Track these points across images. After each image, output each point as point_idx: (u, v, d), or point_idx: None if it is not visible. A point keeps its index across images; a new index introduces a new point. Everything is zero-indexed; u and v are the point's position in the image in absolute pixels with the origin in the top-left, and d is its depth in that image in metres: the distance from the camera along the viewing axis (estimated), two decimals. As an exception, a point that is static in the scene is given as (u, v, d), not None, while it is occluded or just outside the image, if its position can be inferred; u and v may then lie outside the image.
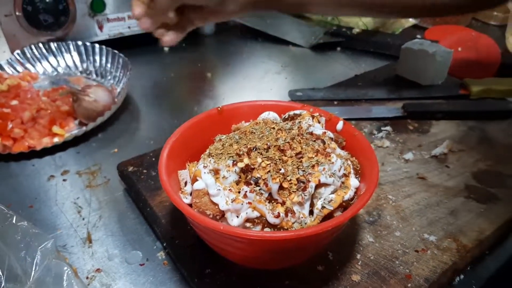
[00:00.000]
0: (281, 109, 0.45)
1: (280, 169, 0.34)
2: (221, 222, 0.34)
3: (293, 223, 0.34)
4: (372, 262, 0.40)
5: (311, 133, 0.39)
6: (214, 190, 0.34)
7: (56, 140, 0.57)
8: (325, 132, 0.39)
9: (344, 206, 0.35)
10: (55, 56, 0.75)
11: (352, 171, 0.38)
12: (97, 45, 0.75)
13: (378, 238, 0.42)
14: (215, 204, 0.34)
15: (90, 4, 0.76)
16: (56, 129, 0.58)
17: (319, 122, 0.42)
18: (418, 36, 0.91)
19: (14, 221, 0.37)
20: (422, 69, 0.70)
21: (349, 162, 0.38)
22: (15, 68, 0.72)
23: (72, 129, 0.60)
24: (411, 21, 0.97)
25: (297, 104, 0.45)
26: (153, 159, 0.52)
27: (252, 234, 0.31)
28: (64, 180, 0.52)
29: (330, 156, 0.36)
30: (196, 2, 0.51)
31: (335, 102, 0.67)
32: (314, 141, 0.38)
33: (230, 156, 0.35)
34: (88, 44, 0.75)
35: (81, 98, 0.59)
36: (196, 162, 0.39)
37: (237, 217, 0.34)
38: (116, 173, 0.51)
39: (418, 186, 0.49)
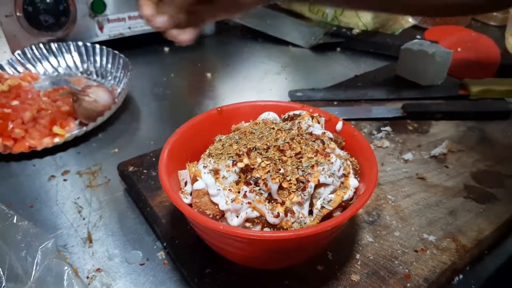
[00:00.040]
0: (280, 110, 0.45)
1: (280, 169, 0.34)
2: (221, 222, 0.34)
3: (292, 223, 0.34)
4: (372, 262, 0.40)
5: (311, 133, 0.39)
6: (214, 190, 0.34)
7: (57, 140, 0.57)
8: (324, 133, 0.40)
9: (343, 206, 0.36)
10: (55, 57, 0.76)
11: (351, 171, 0.38)
12: (97, 46, 0.75)
13: (377, 238, 0.42)
14: (215, 204, 0.34)
15: (90, 5, 0.76)
16: (56, 129, 0.59)
17: (318, 123, 0.42)
18: (418, 36, 0.91)
19: (14, 221, 0.37)
20: (422, 69, 0.70)
21: (348, 162, 0.39)
22: (15, 69, 0.72)
23: (73, 129, 0.61)
24: (411, 21, 0.97)
25: (297, 104, 0.46)
26: (153, 159, 0.52)
27: (251, 234, 0.31)
28: (64, 180, 0.52)
29: (329, 156, 0.36)
30: None
31: (335, 103, 0.67)
32: (314, 141, 0.38)
33: (230, 156, 0.36)
34: (88, 44, 0.75)
35: (81, 99, 0.59)
36: (196, 162, 0.40)
37: (237, 217, 0.34)
38: (117, 173, 0.52)
39: (418, 186, 0.49)
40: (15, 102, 0.61)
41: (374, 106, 0.65)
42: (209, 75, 0.80)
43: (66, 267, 0.34)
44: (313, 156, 0.36)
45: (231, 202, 0.34)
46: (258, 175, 0.34)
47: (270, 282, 0.38)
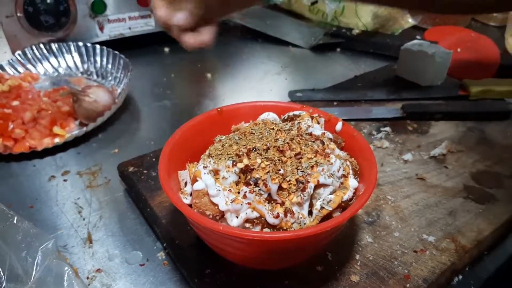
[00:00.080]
0: (280, 110, 0.45)
1: (280, 170, 0.34)
2: (221, 223, 0.35)
3: (292, 223, 0.34)
4: (371, 262, 0.40)
5: (310, 134, 0.39)
6: (214, 190, 0.34)
7: (57, 140, 0.57)
8: (324, 133, 0.40)
9: (343, 206, 0.36)
10: (56, 57, 0.76)
11: (351, 171, 0.38)
12: (97, 46, 0.75)
13: (377, 238, 0.42)
14: (215, 205, 0.35)
15: (91, 5, 0.76)
16: (56, 129, 0.59)
17: (318, 123, 0.42)
18: (418, 37, 0.92)
19: (15, 221, 0.37)
20: (422, 70, 0.70)
21: (348, 162, 0.39)
22: (16, 69, 0.72)
23: (73, 130, 0.61)
24: (411, 22, 0.97)
25: (297, 105, 0.46)
26: (154, 159, 0.52)
27: (251, 234, 0.31)
28: (64, 180, 0.53)
29: (329, 156, 0.36)
30: None
31: (335, 103, 0.67)
32: (313, 141, 0.38)
33: (229, 157, 0.36)
34: (89, 45, 0.76)
35: (81, 99, 0.59)
36: (196, 162, 0.40)
37: (237, 217, 0.34)
38: (117, 173, 0.52)
39: (417, 187, 0.49)
40: (15, 103, 0.61)
41: (374, 106, 0.65)
42: (209, 75, 0.80)
43: (66, 268, 0.34)
44: (312, 156, 0.36)
45: (231, 202, 0.34)
46: (258, 175, 0.34)
47: (270, 283, 0.38)
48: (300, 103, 0.46)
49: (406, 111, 0.62)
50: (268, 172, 0.34)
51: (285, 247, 0.34)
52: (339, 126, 0.43)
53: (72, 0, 0.74)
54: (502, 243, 0.45)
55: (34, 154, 0.56)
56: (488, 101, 0.65)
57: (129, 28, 0.83)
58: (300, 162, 0.35)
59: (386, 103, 0.67)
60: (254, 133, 0.39)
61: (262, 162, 0.35)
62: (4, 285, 0.33)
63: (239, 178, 0.35)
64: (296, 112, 0.43)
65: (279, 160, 0.35)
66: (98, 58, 0.75)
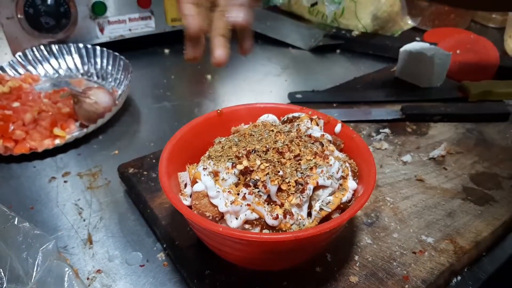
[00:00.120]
0: (280, 112, 0.45)
1: (279, 171, 0.35)
2: (220, 224, 0.35)
3: (291, 224, 0.34)
4: (370, 263, 0.40)
5: (310, 136, 0.39)
6: (214, 192, 0.35)
7: (57, 141, 0.58)
8: (323, 135, 0.40)
9: (342, 208, 0.36)
10: (56, 58, 0.76)
11: (350, 173, 0.38)
12: (98, 48, 0.75)
13: (376, 239, 0.43)
14: (215, 206, 0.35)
15: (91, 7, 0.77)
16: (57, 131, 0.59)
17: (317, 125, 0.42)
18: (417, 38, 0.92)
19: (16, 223, 0.37)
20: (421, 71, 0.70)
21: (347, 164, 0.39)
22: (16, 70, 0.73)
23: (73, 131, 0.61)
24: (410, 23, 0.98)
25: (296, 106, 0.46)
26: (154, 161, 0.52)
27: (250, 235, 0.32)
28: (65, 181, 0.53)
29: (328, 158, 0.37)
30: None
31: (334, 104, 0.67)
32: (313, 143, 0.38)
33: (229, 159, 0.36)
34: (89, 46, 0.76)
35: (82, 100, 0.60)
36: (196, 164, 0.40)
37: (236, 219, 0.34)
38: (117, 174, 0.52)
39: (416, 188, 0.50)
40: (16, 104, 0.61)
41: (373, 108, 0.66)
42: (209, 77, 0.80)
43: (66, 269, 0.34)
44: (312, 158, 0.36)
45: (231, 204, 0.34)
46: (257, 177, 0.34)
47: (269, 283, 0.38)
48: (299, 105, 0.46)
49: (405, 112, 0.62)
50: (268, 173, 0.34)
51: (284, 248, 0.34)
52: (338, 128, 0.43)
53: (72, 2, 0.74)
54: (501, 244, 0.45)
55: (35, 156, 0.56)
56: (487, 103, 0.66)
57: (129, 29, 0.83)
58: (299, 164, 0.36)
59: (386, 105, 0.67)
60: (253, 135, 0.39)
61: (261, 163, 0.35)
62: (4, 285, 0.33)
63: (239, 179, 0.35)
64: (296, 114, 0.44)
65: (278, 161, 0.35)
66: (98, 60, 0.76)
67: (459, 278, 0.41)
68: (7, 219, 0.37)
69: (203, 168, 0.36)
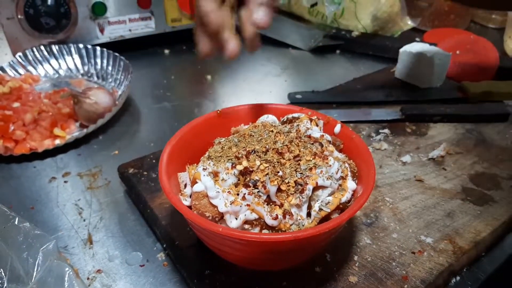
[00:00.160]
0: (279, 112, 0.46)
1: (278, 172, 0.35)
2: (220, 224, 0.35)
3: (291, 225, 0.34)
4: (369, 263, 0.40)
5: (309, 136, 0.39)
6: (213, 192, 0.35)
7: (58, 142, 0.58)
8: (323, 135, 0.40)
9: (341, 208, 0.36)
10: (56, 59, 0.76)
11: (349, 173, 0.38)
12: (98, 48, 0.76)
13: (375, 239, 0.43)
14: (214, 206, 0.35)
15: (91, 7, 0.77)
16: (57, 131, 0.59)
17: (317, 125, 0.42)
18: (417, 39, 0.92)
19: (16, 223, 0.37)
20: (421, 72, 0.71)
21: (346, 164, 0.39)
22: (17, 71, 0.73)
23: (73, 131, 0.61)
24: (410, 24, 0.98)
25: (296, 107, 0.46)
26: (153, 161, 0.52)
27: (250, 236, 0.32)
28: (65, 181, 0.53)
29: (327, 159, 0.37)
30: None
31: (334, 105, 0.67)
32: (312, 144, 0.38)
33: (229, 159, 0.36)
34: (89, 46, 0.76)
35: (82, 101, 0.60)
36: (195, 164, 0.40)
37: (236, 219, 0.34)
38: (117, 175, 0.52)
39: (415, 189, 0.50)
40: (16, 104, 0.61)
41: (373, 108, 0.66)
42: (209, 77, 0.80)
43: (67, 268, 0.34)
44: (311, 158, 0.36)
45: (230, 204, 0.34)
46: (257, 177, 0.34)
47: (269, 283, 0.38)
48: (299, 105, 0.46)
49: (405, 113, 0.62)
50: (267, 174, 0.34)
51: (284, 248, 0.34)
52: (337, 128, 0.43)
53: (72, 2, 0.75)
54: (500, 244, 0.45)
55: (35, 156, 0.56)
56: (487, 103, 0.66)
57: (130, 30, 0.83)
58: (298, 164, 0.36)
59: (385, 105, 0.67)
60: (253, 136, 0.39)
61: (261, 164, 0.35)
62: (5, 285, 0.33)
63: (238, 180, 0.35)
64: (295, 115, 0.44)
65: (278, 162, 0.35)
66: (98, 60, 0.76)
67: (458, 278, 0.41)
68: (8, 219, 0.37)
69: (203, 169, 0.36)
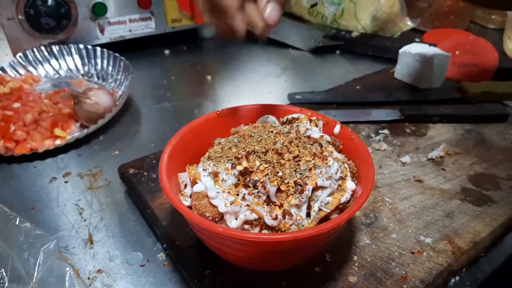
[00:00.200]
0: (279, 113, 0.46)
1: (278, 172, 0.35)
2: (220, 224, 0.35)
3: (290, 225, 0.34)
4: (369, 263, 0.40)
5: (309, 137, 0.40)
6: (213, 192, 0.35)
7: (58, 142, 0.58)
8: (322, 136, 0.40)
9: (340, 208, 0.36)
10: (57, 59, 0.76)
11: (348, 174, 0.38)
12: (98, 48, 0.76)
13: (374, 240, 0.43)
14: (214, 207, 0.35)
15: (91, 8, 0.77)
16: (58, 131, 0.59)
17: (316, 126, 0.42)
18: (417, 39, 0.92)
19: (17, 223, 0.37)
20: (420, 72, 0.71)
21: (345, 165, 0.39)
22: (17, 71, 0.73)
23: (74, 132, 0.61)
24: (410, 24, 0.98)
25: (295, 108, 0.46)
26: (154, 161, 0.53)
27: (250, 236, 0.32)
28: (65, 182, 0.53)
29: (327, 159, 0.37)
30: None
31: (334, 105, 0.67)
32: (312, 144, 0.38)
33: (229, 159, 0.36)
34: (89, 47, 0.76)
35: (82, 101, 0.60)
36: (195, 165, 0.40)
37: (236, 219, 0.34)
38: (117, 175, 0.52)
39: (415, 189, 0.50)
40: (16, 105, 0.62)
41: (373, 109, 0.66)
42: (209, 77, 0.80)
43: (67, 268, 0.34)
44: (311, 159, 0.36)
45: (230, 204, 0.34)
46: (256, 178, 0.34)
47: (269, 283, 0.38)
48: (299, 105, 0.47)
49: (404, 113, 0.62)
50: (267, 174, 0.35)
51: (284, 248, 0.34)
52: (337, 129, 0.44)
53: (73, 3, 0.75)
54: (499, 245, 0.45)
55: (35, 156, 0.57)
56: (486, 104, 0.66)
57: (130, 30, 0.83)
58: (298, 165, 0.36)
59: (385, 106, 0.67)
60: (253, 136, 0.39)
61: (261, 164, 0.35)
62: (6, 285, 0.34)
63: (238, 180, 0.36)
64: (295, 115, 0.44)
65: (277, 162, 0.36)
66: (98, 60, 0.76)
67: (457, 278, 0.41)
68: (9, 219, 0.37)
69: (203, 169, 0.37)
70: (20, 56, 0.74)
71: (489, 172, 0.53)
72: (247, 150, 0.36)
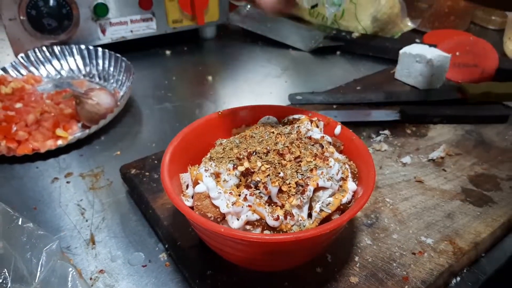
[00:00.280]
0: (280, 113, 0.46)
1: (279, 173, 0.35)
2: (222, 225, 0.35)
3: (292, 225, 0.34)
4: (370, 264, 0.40)
5: (310, 138, 0.40)
6: (215, 193, 0.35)
7: (60, 142, 0.58)
8: (323, 137, 0.40)
9: (342, 209, 0.36)
10: (58, 60, 0.76)
11: (349, 174, 0.39)
12: (100, 49, 0.76)
13: (376, 240, 0.43)
14: (216, 207, 0.35)
15: (93, 8, 0.77)
16: (59, 131, 0.59)
17: (317, 127, 0.42)
18: (417, 40, 0.92)
19: (20, 223, 0.38)
20: (420, 73, 0.71)
21: (346, 166, 0.39)
22: (19, 71, 0.73)
23: (75, 132, 0.61)
24: (410, 25, 0.98)
25: (296, 108, 0.46)
26: (155, 162, 0.53)
27: (252, 236, 0.32)
28: (67, 182, 0.53)
29: (328, 160, 0.37)
30: None
31: (334, 106, 0.68)
32: (313, 145, 0.39)
33: (230, 160, 0.36)
34: (91, 47, 0.76)
35: (84, 101, 0.60)
36: (197, 165, 0.40)
37: (238, 219, 0.35)
38: (119, 175, 0.52)
39: (415, 189, 0.50)
40: (18, 105, 0.62)
41: (373, 109, 0.66)
42: (210, 78, 0.80)
43: (70, 269, 0.35)
44: (312, 160, 0.37)
45: (232, 205, 0.34)
46: (258, 178, 0.35)
47: (270, 284, 0.38)
48: (299, 106, 0.47)
49: (404, 114, 0.63)
50: (268, 175, 0.35)
51: (285, 249, 0.35)
52: (338, 129, 0.44)
53: (74, 3, 0.75)
54: (500, 245, 0.45)
55: (37, 156, 0.57)
56: (486, 105, 0.66)
57: (131, 31, 0.83)
58: (299, 166, 0.36)
59: (385, 106, 0.67)
60: (254, 137, 0.39)
61: (262, 165, 0.35)
62: (9, 285, 0.34)
63: (240, 181, 0.36)
64: (296, 116, 0.44)
65: (279, 163, 0.36)
66: (100, 61, 0.76)
67: (458, 279, 0.41)
68: (11, 220, 0.38)
69: (205, 170, 0.37)
70: (22, 57, 0.74)
71: (490, 172, 0.53)
72: (248, 150, 0.37)
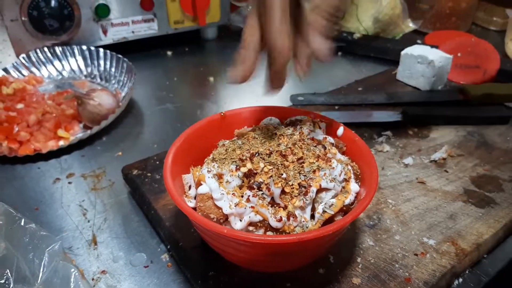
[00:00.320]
0: (282, 115, 0.46)
1: (282, 174, 0.35)
2: (225, 226, 0.35)
3: (295, 227, 0.34)
4: (372, 265, 0.40)
5: (312, 139, 0.40)
6: (218, 194, 0.35)
7: (62, 143, 0.58)
8: (325, 138, 0.40)
9: (344, 210, 0.36)
10: (60, 60, 0.76)
11: (352, 176, 0.39)
12: (101, 50, 0.76)
13: (378, 241, 0.43)
14: (219, 208, 0.35)
15: (94, 9, 0.77)
16: (61, 132, 0.59)
17: (320, 128, 0.42)
18: (418, 41, 0.92)
19: (22, 224, 0.38)
20: (422, 74, 0.71)
21: (349, 167, 0.39)
22: (20, 72, 0.73)
23: (77, 133, 0.61)
24: (411, 26, 0.98)
25: (299, 109, 0.46)
26: (157, 162, 0.53)
27: (254, 237, 0.32)
28: (69, 183, 0.53)
29: (330, 161, 0.37)
30: None
31: (336, 107, 0.68)
32: (315, 146, 0.38)
33: (233, 161, 0.36)
34: (92, 48, 0.76)
35: (85, 102, 0.60)
36: (200, 166, 0.40)
37: (240, 220, 0.34)
38: (121, 176, 0.52)
39: (418, 191, 0.50)
40: (20, 105, 0.62)
41: (375, 110, 0.66)
42: (211, 79, 0.80)
43: (72, 269, 0.35)
44: (314, 161, 0.37)
45: (235, 206, 0.34)
46: (261, 179, 0.35)
47: (273, 285, 0.38)
48: (301, 107, 0.47)
49: (406, 115, 0.63)
50: (271, 176, 0.35)
51: (288, 250, 0.34)
52: (340, 131, 0.44)
53: (76, 4, 0.75)
54: (502, 246, 0.45)
55: (39, 157, 0.57)
56: (488, 106, 0.66)
57: (133, 31, 0.83)
58: (302, 167, 0.36)
59: (387, 108, 0.67)
60: (257, 138, 0.39)
61: (265, 166, 0.35)
62: (11, 286, 0.34)
63: (243, 182, 0.36)
64: (298, 117, 0.44)
65: (281, 164, 0.36)
66: (101, 62, 0.76)
67: (460, 280, 0.41)
68: (14, 220, 0.38)
69: (208, 171, 0.37)
70: (23, 57, 0.74)
71: (492, 174, 0.53)
72: (251, 152, 0.37)
